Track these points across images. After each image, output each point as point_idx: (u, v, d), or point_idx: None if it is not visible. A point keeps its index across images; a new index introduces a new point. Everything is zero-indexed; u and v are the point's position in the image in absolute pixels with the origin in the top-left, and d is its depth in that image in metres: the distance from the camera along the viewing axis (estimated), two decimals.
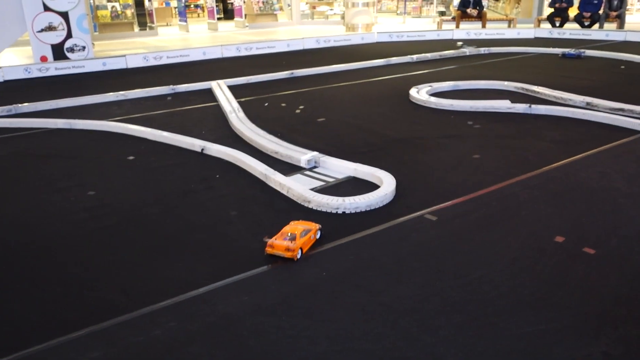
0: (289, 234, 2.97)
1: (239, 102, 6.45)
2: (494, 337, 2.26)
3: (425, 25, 16.78)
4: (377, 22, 17.22)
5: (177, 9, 17.41)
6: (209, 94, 7.29)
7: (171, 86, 7.59)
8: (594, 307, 2.45)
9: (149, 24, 15.13)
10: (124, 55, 10.08)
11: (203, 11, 20.41)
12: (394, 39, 13.30)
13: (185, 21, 15.73)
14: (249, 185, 4.03)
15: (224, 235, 3.26)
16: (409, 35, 13.46)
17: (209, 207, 3.68)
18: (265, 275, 2.78)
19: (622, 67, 9.08)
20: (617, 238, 3.10)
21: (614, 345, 2.20)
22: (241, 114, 5.81)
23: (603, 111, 5.79)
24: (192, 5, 21.26)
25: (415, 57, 10.09)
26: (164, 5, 18.64)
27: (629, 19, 14.55)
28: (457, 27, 14.41)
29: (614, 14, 13.64)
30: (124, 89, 7.47)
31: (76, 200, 3.87)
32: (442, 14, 18.09)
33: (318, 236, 3.12)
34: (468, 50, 10.73)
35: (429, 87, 7.10)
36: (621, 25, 13.63)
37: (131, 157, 4.77)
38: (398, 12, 20.91)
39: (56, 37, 10.23)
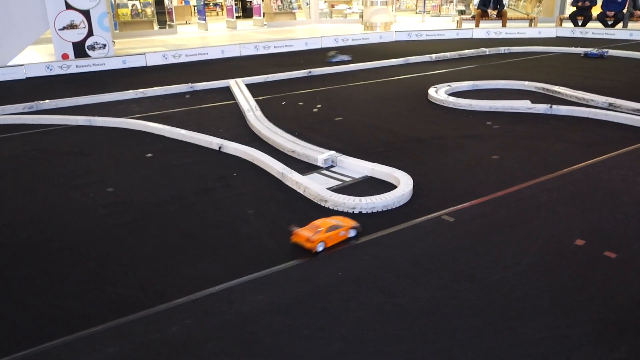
0: (317, 227, 3.00)
1: (257, 101, 6.47)
2: (511, 341, 2.22)
3: (444, 24, 16.65)
4: (396, 21, 17.13)
5: (196, 8, 17.52)
6: (227, 92, 7.33)
7: (189, 84, 7.64)
8: (615, 313, 2.40)
9: (168, 22, 15.25)
10: (144, 53, 10.18)
11: (222, 9, 20.52)
12: (413, 37, 13.22)
13: (204, 19, 15.83)
14: (266, 184, 4.04)
15: (240, 234, 3.27)
16: (428, 34, 13.37)
17: (226, 205, 3.69)
18: (281, 274, 2.78)
19: None
20: (639, 242, 3.03)
21: (636, 352, 2.15)
22: (258, 113, 5.82)
23: (626, 112, 5.68)
24: (211, 4, 21.39)
25: (434, 56, 10.02)
26: (183, 3, 18.79)
27: None
28: (477, 26, 14.26)
29: (639, 12, 13.37)
30: (143, 86, 7.55)
31: (95, 197, 3.91)
32: (461, 12, 17.92)
33: (351, 235, 3.11)
34: (488, 50, 10.62)
35: (448, 87, 7.04)
36: None
37: (149, 155, 4.81)
38: (417, 10, 20.78)
39: (77, 35, 10.37)
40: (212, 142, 4.89)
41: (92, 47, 10.56)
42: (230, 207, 3.65)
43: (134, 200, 3.83)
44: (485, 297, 2.54)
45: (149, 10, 14.96)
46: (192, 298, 2.57)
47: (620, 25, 13.52)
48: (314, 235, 2.96)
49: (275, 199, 3.75)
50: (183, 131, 5.26)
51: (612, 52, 10.05)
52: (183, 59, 10.42)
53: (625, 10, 13.45)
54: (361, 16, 16.45)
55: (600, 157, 4.45)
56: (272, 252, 3.01)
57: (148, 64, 10.08)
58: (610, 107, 5.91)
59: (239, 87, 7.26)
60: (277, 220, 3.43)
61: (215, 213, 3.58)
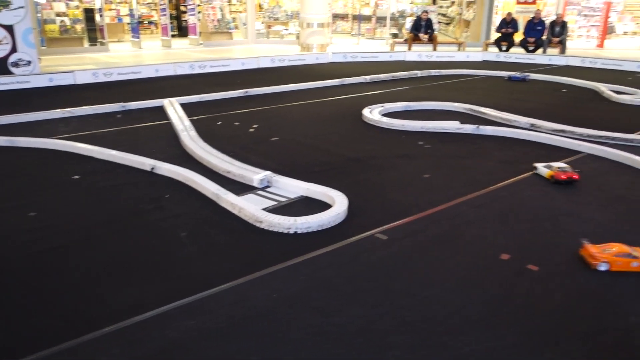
0: (609, 247, 3.06)
1: (191, 121, 6.37)
2: (444, 356, 2.28)
3: (378, 46, 17.14)
4: (332, 43, 17.46)
5: (129, 25, 17.13)
6: (160, 112, 7.17)
7: (121, 103, 7.42)
8: (539, 324, 2.52)
9: (99, 40, 14.81)
10: (72, 71, 9.80)
11: (157, 28, 20.17)
12: (348, 59, 13.50)
13: (138, 37, 15.49)
14: (200, 205, 3.96)
15: (173, 257, 3.18)
16: (362, 56, 13.70)
17: (158, 228, 3.59)
18: (215, 298, 2.72)
19: (564, 90, 9.53)
20: (559, 255, 3.21)
21: None
22: (193, 133, 5.73)
23: (546, 132, 6.04)
24: (145, 22, 20.98)
25: (368, 77, 10.27)
26: (115, 21, 18.31)
27: (570, 44, 15.30)
28: (410, 49, 14.77)
29: (556, 39, 14.33)
30: (71, 105, 7.24)
31: (16, 222, 3.69)
32: (395, 36, 18.50)
33: None
34: (419, 72, 11.01)
35: (382, 108, 7.23)
36: (563, 51, 14.32)
37: (77, 177, 4.60)
38: (352, 33, 21.27)
39: (0, 51, 9.84)
40: (144, 163, 4.75)
41: (16, 64, 10.05)
42: (162, 230, 3.55)
43: (59, 225, 3.65)
44: (418, 313, 2.59)
45: (79, 27, 14.47)
46: (121, 326, 2.47)
47: (540, 50, 14.42)
48: (599, 253, 3.01)
49: (209, 221, 3.68)
50: (113, 152, 5.09)
51: (534, 76, 10.69)
52: (115, 78, 10.12)
53: (544, 37, 14.37)
54: (298, 37, 16.67)
55: (523, 175, 4.69)
56: (206, 276, 2.95)
57: (77, 82, 9.70)
58: (532, 128, 6.26)
59: (173, 106, 7.13)
60: (211, 243, 3.37)
61: (146, 236, 3.47)
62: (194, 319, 2.52)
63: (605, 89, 9.03)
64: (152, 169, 4.65)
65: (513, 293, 2.79)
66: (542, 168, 4.68)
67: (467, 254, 3.21)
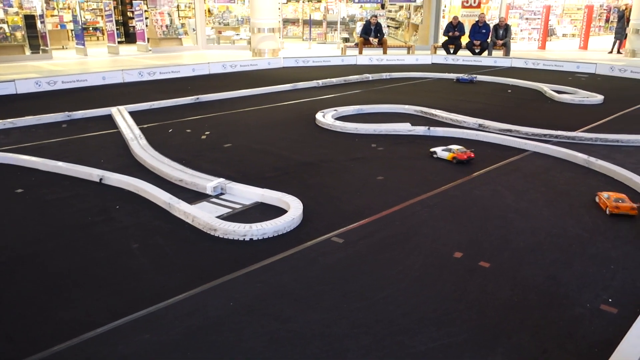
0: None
1: (141, 129, 6.23)
2: (400, 356, 2.30)
3: (330, 51, 17.26)
4: (284, 48, 17.46)
5: (73, 32, 16.59)
6: (108, 120, 6.97)
7: (66, 113, 7.16)
8: (491, 319, 2.59)
9: (42, 47, 14.26)
10: (13, 80, 9.40)
11: (103, 34, 19.62)
12: (300, 64, 13.54)
13: (83, 44, 15.02)
14: (152, 215, 3.87)
15: (124, 270, 3.09)
16: (314, 61, 13.77)
17: (109, 240, 3.48)
18: (170, 309, 2.66)
19: (509, 90, 9.87)
20: (509, 251, 3.31)
21: (509, 354, 2.32)
22: (143, 141, 5.59)
23: (494, 132, 6.23)
24: (90, 28, 20.38)
25: (321, 82, 10.32)
26: (58, 27, 17.69)
27: (513, 47, 15.86)
28: (360, 53, 14.96)
29: (500, 42, 14.83)
30: (12, 116, 6.94)
31: None
32: (345, 40, 18.68)
33: None
34: (371, 76, 11.16)
35: (334, 111, 7.28)
36: (507, 53, 14.84)
37: (20, 190, 4.41)
38: (304, 38, 21.33)
39: None
40: (92, 173, 4.60)
41: None
42: (112, 242, 3.45)
43: (1, 241, 3.48)
44: (374, 314, 2.62)
45: (19, 34, 13.90)
46: (70, 344, 2.37)
47: (486, 53, 14.89)
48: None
49: (161, 231, 3.60)
50: (60, 163, 4.90)
51: (480, 78, 11.03)
52: (59, 86, 9.77)
53: (489, 40, 14.85)
54: (249, 43, 16.58)
55: (473, 174, 4.82)
56: (159, 287, 2.88)
57: (18, 92, 9.31)
58: (480, 128, 6.44)
59: (121, 115, 6.95)
60: (164, 253, 3.29)
61: (96, 249, 3.35)
62: (148, 333, 2.46)
63: (547, 89, 9.41)
64: (101, 179, 4.52)
65: (466, 290, 2.85)
66: (441, 152, 5.21)
67: (421, 254, 3.27)
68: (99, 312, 2.63)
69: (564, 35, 23.91)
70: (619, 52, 16.46)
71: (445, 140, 6.01)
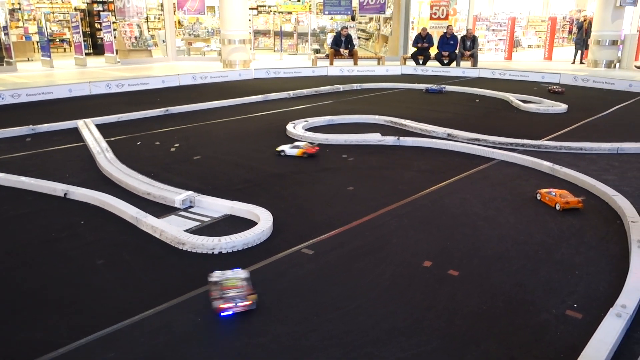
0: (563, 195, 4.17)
1: (108, 142, 6.11)
2: None
3: (301, 62, 17.31)
4: (255, 59, 17.45)
5: (39, 44, 16.26)
6: (74, 133, 6.82)
7: (30, 126, 6.99)
8: (459, 327, 2.61)
9: (5, 59, 13.93)
10: None
11: (70, 46, 19.29)
12: (271, 75, 13.54)
13: (49, 56, 14.73)
14: (119, 230, 3.79)
15: (89, 287, 3.01)
16: (285, 72, 13.78)
17: (73, 257, 3.39)
18: (135, 327, 2.60)
19: (477, 100, 10.05)
20: (477, 258, 3.35)
21: None
22: (110, 155, 5.49)
23: (462, 141, 6.32)
24: (57, 40, 20.01)
25: (292, 93, 10.34)
26: (23, 39, 17.32)
27: (481, 57, 16.18)
28: (331, 64, 15.04)
29: (468, 53, 15.12)
30: None
31: None
32: (316, 51, 18.77)
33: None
34: (342, 87, 11.23)
35: (305, 122, 7.28)
36: (475, 64, 15.12)
37: None
38: (275, 49, 21.35)
39: None
40: (56, 188, 4.49)
41: None
42: (77, 259, 3.36)
43: None
44: (344, 326, 2.60)
45: None
46: None
47: (454, 64, 15.15)
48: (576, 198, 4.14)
49: (128, 246, 3.53)
50: (23, 178, 4.77)
51: (449, 88, 11.20)
52: (23, 99, 9.54)
53: (457, 51, 15.12)
54: (220, 54, 16.51)
55: (443, 183, 4.88)
56: (125, 304, 2.81)
57: None
58: (449, 137, 6.53)
59: (88, 128, 6.81)
60: (131, 269, 3.22)
61: (59, 266, 3.26)
62: (113, 351, 2.39)
63: (514, 98, 9.61)
64: (65, 194, 4.41)
65: (435, 299, 2.87)
66: (290, 149, 5.53)
67: (391, 264, 3.27)
68: (61, 332, 2.56)
69: (529, 46, 24.55)
70: (581, 62, 16.96)
71: (415, 150, 6.08)
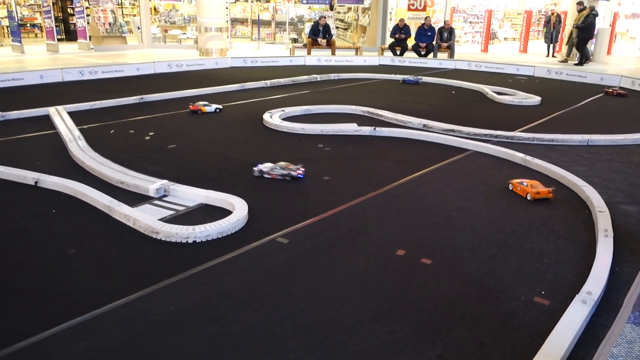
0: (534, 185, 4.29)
1: (81, 130, 6.01)
2: (343, 354, 2.32)
3: (279, 51, 17.21)
4: (232, 47, 17.28)
5: (9, 28, 15.82)
6: (46, 121, 6.68)
7: (0, 113, 6.82)
8: (431, 314, 2.65)
9: None
10: None
11: (41, 31, 18.81)
12: (249, 64, 13.44)
13: (20, 42, 14.35)
14: (91, 219, 3.74)
15: (60, 276, 2.97)
16: (263, 61, 13.70)
17: (44, 246, 3.34)
18: (108, 315, 2.58)
19: (453, 92, 10.14)
20: (450, 248, 3.40)
21: (448, 348, 2.39)
22: (83, 143, 5.40)
23: (437, 132, 6.39)
24: (28, 25, 19.50)
25: (269, 82, 10.28)
26: None
27: (457, 49, 16.32)
28: (309, 53, 14.99)
29: (445, 45, 15.23)
30: None
31: None
32: (294, 40, 18.69)
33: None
34: (319, 77, 11.21)
35: (282, 112, 7.26)
36: (451, 55, 15.25)
37: None
38: (253, 37, 21.19)
39: None
40: (26, 176, 4.40)
41: None
42: (48, 248, 3.31)
43: None
44: (318, 314, 2.63)
45: None
46: (1, 355, 2.26)
47: (431, 55, 15.24)
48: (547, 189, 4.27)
49: (101, 235, 3.49)
50: None
51: (426, 79, 11.28)
52: None
53: (434, 43, 15.21)
54: (196, 42, 16.31)
55: (417, 173, 4.93)
56: (98, 292, 2.79)
57: None
58: (425, 128, 6.59)
59: (60, 115, 6.68)
60: (103, 258, 3.19)
61: (29, 256, 3.21)
62: (84, 340, 2.37)
63: (489, 90, 9.73)
64: (36, 182, 4.33)
65: (408, 287, 2.91)
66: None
67: (365, 253, 3.31)
68: (32, 321, 2.52)
69: (505, 38, 24.84)
70: (553, 55, 17.23)
71: (391, 141, 6.12)
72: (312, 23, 16.35)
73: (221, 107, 7.61)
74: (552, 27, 16.79)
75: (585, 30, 14.39)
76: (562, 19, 17.45)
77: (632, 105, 9.28)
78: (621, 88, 8.44)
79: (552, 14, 17.51)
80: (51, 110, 6.99)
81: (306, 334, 2.46)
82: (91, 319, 2.55)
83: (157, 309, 2.64)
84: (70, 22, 18.10)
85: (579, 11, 14.74)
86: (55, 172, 4.57)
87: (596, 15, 14.49)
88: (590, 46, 15.39)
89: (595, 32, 15.20)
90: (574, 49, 14.90)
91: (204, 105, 7.49)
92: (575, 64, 14.22)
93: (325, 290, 2.85)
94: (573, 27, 14.86)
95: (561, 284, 2.96)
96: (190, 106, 7.10)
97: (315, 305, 2.70)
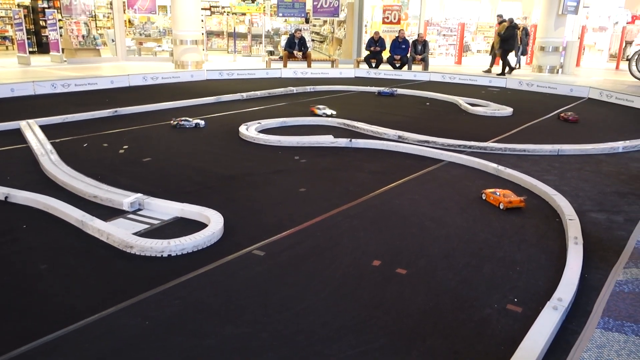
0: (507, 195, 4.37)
1: (53, 144, 5.92)
2: None
3: (255, 63, 17.24)
4: (208, 60, 17.25)
5: None
6: (17, 135, 6.56)
7: None
8: (406, 324, 2.67)
9: None
10: None
11: (13, 44, 18.51)
12: (225, 76, 13.43)
13: None
14: (63, 234, 3.68)
15: (31, 293, 2.91)
16: (239, 73, 13.71)
17: (14, 262, 3.27)
18: (80, 332, 2.53)
19: (427, 103, 10.29)
20: (424, 257, 3.44)
21: (423, 357, 2.41)
22: (55, 157, 5.31)
23: (412, 143, 6.47)
24: None
25: (245, 94, 10.29)
26: None
27: (431, 61, 16.57)
28: (285, 66, 15.05)
29: (419, 57, 15.46)
30: None
31: None
32: (270, 53, 18.75)
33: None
34: (295, 89, 11.26)
35: (258, 124, 7.27)
36: (426, 67, 15.47)
37: None
38: (229, 50, 21.19)
39: None
40: None
41: None
42: (18, 264, 3.24)
43: None
44: (294, 326, 2.62)
45: None
46: None
47: (406, 67, 15.45)
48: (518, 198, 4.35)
49: (73, 250, 3.43)
50: None
51: (401, 91, 11.43)
52: None
53: (408, 55, 15.43)
54: (171, 54, 16.24)
55: (393, 184, 4.98)
56: (70, 309, 2.74)
57: None
58: (400, 139, 6.67)
59: (32, 129, 6.57)
60: (76, 273, 3.14)
61: None
62: (56, 358, 2.33)
63: (462, 101, 9.90)
64: (6, 198, 4.24)
65: (384, 297, 2.93)
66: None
67: (341, 264, 3.32)
68: (2, 339, 2.46)
69: (478, 51, 25.30)
70: (518, 67, 17.59)
71: (367, 152, 6.17)
72: (288, 36, 16.44)
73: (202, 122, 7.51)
74: (519, 41, 17.21)
75: (506, 41, 14.99)
76: (529, 32, 17.87)
77: (599, 115, 9.54)
78: (576, 113, 8.72)
79: (519, 27, 17.93)
80: (22, 124, 6.87)
81: (283, 345, 2.46)
82: (63, 335, 2.50)
83: (132, 325, 2.60)
84: (43, 34, 17.85)
85: (499, 23, 15.53)
86: (26, 186, 4.49)
87: (515, 27, 15.20)
88: (560, 58, 15.84)
89: (518, 44, 15.94)
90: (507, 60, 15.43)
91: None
92: (498, 75, 14.67)
93: (302, 302, 2.85)
94: (496, 37, 15.54)
95: (533, 291, 3.02)
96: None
97: (292, 316, 2.70)
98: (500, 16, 15.87)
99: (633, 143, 6.72)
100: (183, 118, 7.49)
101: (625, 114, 9.77)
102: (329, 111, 8.06)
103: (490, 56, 16.58)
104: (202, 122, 7.48)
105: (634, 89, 12.00)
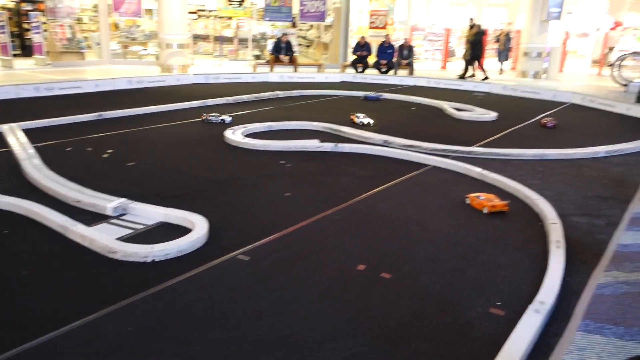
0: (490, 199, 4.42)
1: (36, 148, 5.84)
2: None
3: (241, 67, 17.20)
4: (194, 64, 17.18)
5: None
6: None
7: None
8: (392, 327, 2.69)
9: None
10: None
11: None
12: (211, 80, 13.38)
13: None
14: (45, 239, 3.63)
15: (12, 300, 2.87)
16: (225, 77, 13.67)
17: None
18: (64, 338, 2.51)
19: (413, 108, 10.36)
20: (409, 261, 3.46)
21: (409, 358, 2.42)
22: (37, 161, 5.25)
23: (397, 148, 6.50)
24: None
25: (231, 98, 10.26)
26: None
27: (417, 66, 16.67)
28: (272, 70, 15.05)
29: (405, 62, 15.55)
30: None
31: None
32: (257, 57, 18.72)
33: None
34: (281, 93, 11.26)
35: (244, 128, 7.26)
36: (411, 72, 15.56)
37: None
38: (215, 54, 21.12)
39: None
40: None
41: None
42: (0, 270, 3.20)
43: None
44: (281, 330, 2.62)
45: None
46: None
47: (392, 72, 15.53)
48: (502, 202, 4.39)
49: (55, 256, 3.39)
50: None
51: (387, 95, 11.49)
52: None
53: (394, 60, 15.52)
54: (157, 58, 16.16)
55: (378, 188, 5.00)
56: (53, 315, 2.71)
57: None
58: (385, 144, 6.69)
59: (14, 133, 6.48)
60: (58, 279, 3.10)
61: None
62: None
63: (447, 106, 9.98)
64: None
65: (369, 301, 2.94)
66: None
67: (328, 268, 3.32)
68: None
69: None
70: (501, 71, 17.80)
71: (353, 157, 6.19)
72: (275, 40, 16.44)
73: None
74: (502, 46, 17.43)
75: (475, 46, 15.17)
76: (512, 38, 18.07)
77: (581, 120, 9.68)
78: (556, 118, 8.84)
79: (501, 33, 18.13)
80: (4, 128, 6.77)
81: (268, 350, 2.45)
82: (47, 342, 2.47)
83: (116, 330, 2.58)
84: (26, 37, 17.64)
85: (470, 27, 15.67)
86: (7, 191, 4.43)
87: (482, 33, 15.40)
88: (544, 63, 16.03)
89: (485, 49, 16.13)
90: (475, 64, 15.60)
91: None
92: (467, 76, 14.94)
93: (288, 307, 2.85)
94: (466, 42, 15.76)
95: (516, 294, 3.05)
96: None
97: (278, 321, 2.70)
98: (471, 20, 15.95)
99: (614, 148, 6.82)
100: (212, 114, 7.88)
101: (607, 119, 9.92)
102: (367, 120, 8.09)
103: (499, 62, 16.79)
104: (228, 118, 7.87)
105: (615, 94, 12.19)
